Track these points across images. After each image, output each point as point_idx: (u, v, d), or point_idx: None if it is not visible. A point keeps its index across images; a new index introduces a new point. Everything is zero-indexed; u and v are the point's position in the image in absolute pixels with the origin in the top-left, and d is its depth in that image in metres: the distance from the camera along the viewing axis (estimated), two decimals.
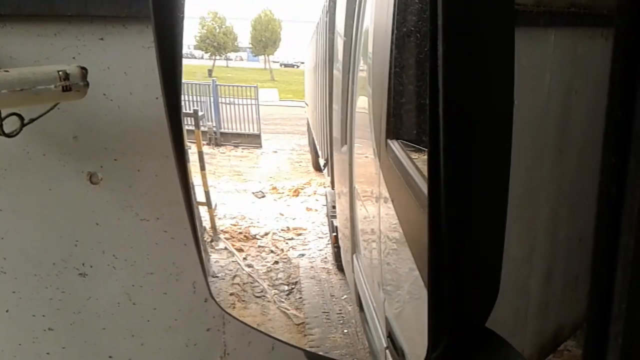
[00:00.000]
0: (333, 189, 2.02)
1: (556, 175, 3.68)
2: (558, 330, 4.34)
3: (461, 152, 0.65)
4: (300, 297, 2.25)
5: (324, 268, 2.18)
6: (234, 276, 2.46)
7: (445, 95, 0.62)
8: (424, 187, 0.95)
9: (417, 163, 1.02)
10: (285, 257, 2.52)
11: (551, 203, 3.76)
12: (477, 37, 0.64)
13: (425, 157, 1.00)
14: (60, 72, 1.75)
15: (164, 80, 1.09)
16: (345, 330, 1.81)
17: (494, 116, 0.67)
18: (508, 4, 0.67)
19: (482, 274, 0.74)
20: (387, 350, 1.30)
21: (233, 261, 2.54)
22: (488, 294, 0.76)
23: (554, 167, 3.64)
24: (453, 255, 0.68)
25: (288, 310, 2.36)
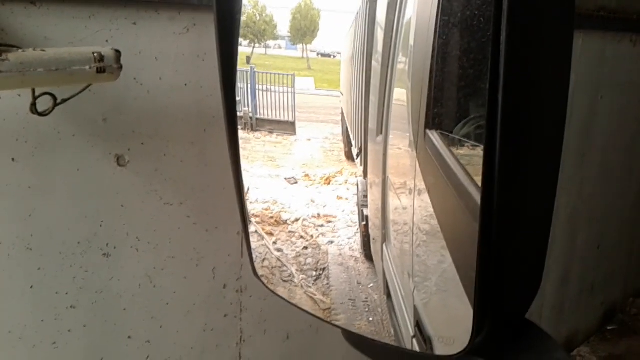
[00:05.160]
0: (365, 179, 2.00)
1: (577, 179, 3.67)
2: (572, 336, 4.33)
3: (517, 147, 0.67)
4: (328, 284, 2.25)
5: (351, 256, 2.17)
6: (263, 259, 2.47)
7: (505, 96, 0.63)
8: (463, 178, 0.96)
9: (456, 154, 1.02)
10: (314, 243, 2.51)
11: (570, 207, 3.75)
12: (539, 36, 0.65)
13: (466, 149, 1.02)
14: (95, 54, 1.76)
15: (222, 74, 1.14)
16: (371, 318, 1.81)
17: (550, 114, 0.69)
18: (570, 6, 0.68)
19: (527, 265, 0.76)
20: (413, 339, 1.31)
21: (262, 245, 2.55)
22: (531, 285, 0.78)
23: (576, 171, 3.62)
24: (502, 247, 0.70)
25: (315, 295, 2.37)
